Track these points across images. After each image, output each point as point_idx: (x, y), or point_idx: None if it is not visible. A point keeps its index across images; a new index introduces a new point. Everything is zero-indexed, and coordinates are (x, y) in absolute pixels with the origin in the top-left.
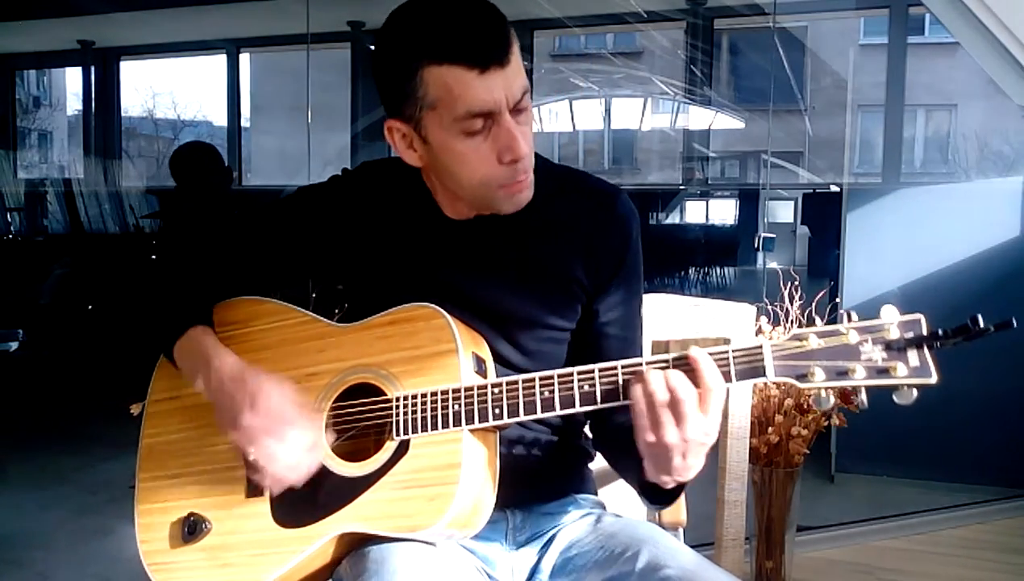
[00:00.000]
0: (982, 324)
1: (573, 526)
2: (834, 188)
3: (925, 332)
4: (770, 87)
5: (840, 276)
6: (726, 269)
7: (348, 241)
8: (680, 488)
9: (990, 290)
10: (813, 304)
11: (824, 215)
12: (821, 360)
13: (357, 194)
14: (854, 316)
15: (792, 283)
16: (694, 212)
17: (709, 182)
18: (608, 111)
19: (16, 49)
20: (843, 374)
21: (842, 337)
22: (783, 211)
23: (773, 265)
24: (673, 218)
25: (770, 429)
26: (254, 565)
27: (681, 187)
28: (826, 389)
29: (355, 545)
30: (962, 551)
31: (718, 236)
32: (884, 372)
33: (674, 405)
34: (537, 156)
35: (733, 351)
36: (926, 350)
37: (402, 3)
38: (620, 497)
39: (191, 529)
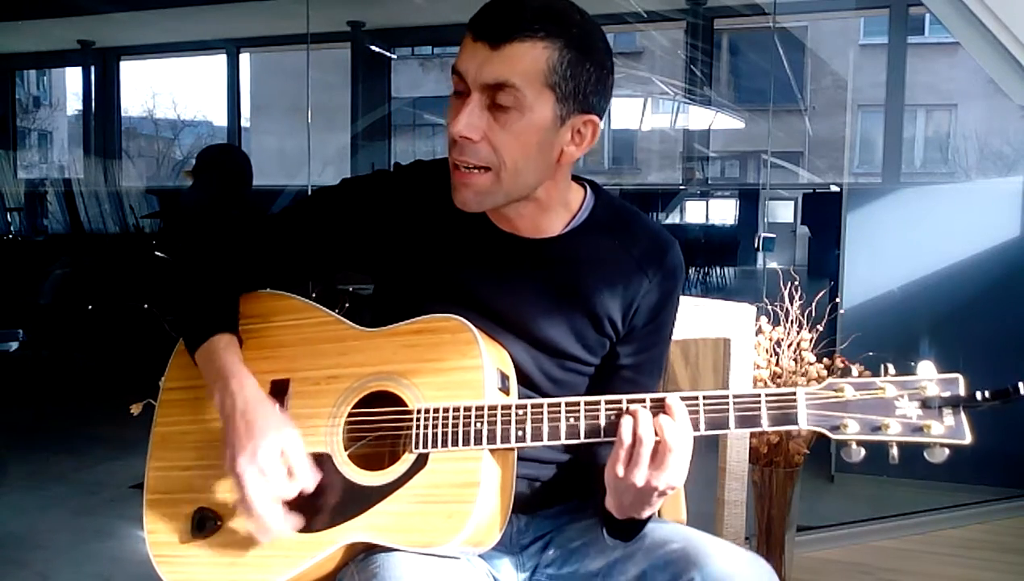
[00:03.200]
0: (1023, 391)
1: (575, 528)
2: (834, 188)
3: (963, 393)
4: (770, 87)
5: (840, 276)
6: (726, 269)
7: (389, 235)
8: (635, 528)
9: (990, 290)
10: (813, 304)
11: (824, 215)
12: (855, 413)
13: (405, 190)
14: (891, 369)
15: (792, 283)
16: (694, 212)
17: (709, 182)
18: (608, 111)
19: (16, 49)
20: (877, 429)
21: (878, 391)
22: (783, 211)
23: (773, 265)
24: (673, 218)
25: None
26: (262, 566)
27: (681, 187)
28: (857, 442)
29: (363, 552)
30: (962, 551)
31: (718, 236)
32: (919, 430)
33: (652, 449)
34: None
35: (766, 396)
36: (962, 411)
37: None
38: None
39: (200, 524)
